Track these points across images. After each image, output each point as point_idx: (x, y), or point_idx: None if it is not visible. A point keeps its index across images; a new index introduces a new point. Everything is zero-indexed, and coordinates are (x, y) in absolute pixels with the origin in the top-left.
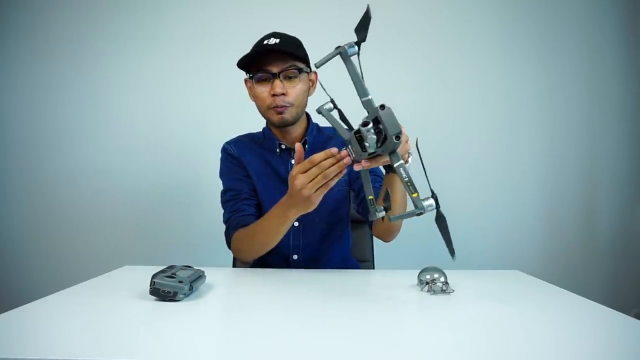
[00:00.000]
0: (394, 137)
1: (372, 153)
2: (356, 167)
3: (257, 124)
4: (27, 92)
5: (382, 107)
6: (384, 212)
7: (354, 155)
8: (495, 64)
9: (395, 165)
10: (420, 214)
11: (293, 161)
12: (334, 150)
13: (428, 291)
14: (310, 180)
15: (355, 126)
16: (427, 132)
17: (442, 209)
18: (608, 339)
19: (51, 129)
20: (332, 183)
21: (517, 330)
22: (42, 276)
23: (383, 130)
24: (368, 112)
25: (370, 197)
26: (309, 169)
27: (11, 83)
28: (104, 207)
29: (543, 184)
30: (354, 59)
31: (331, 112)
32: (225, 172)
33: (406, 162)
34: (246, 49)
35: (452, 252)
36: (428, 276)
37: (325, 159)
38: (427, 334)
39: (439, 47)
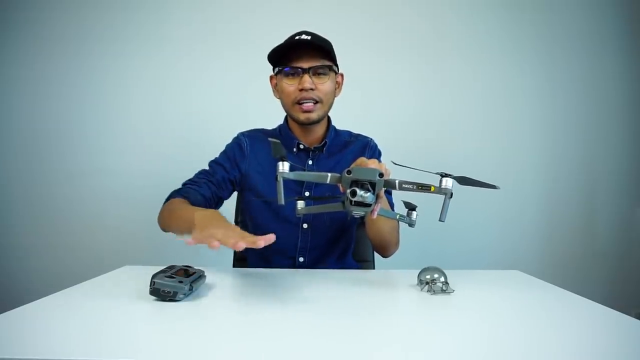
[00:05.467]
0: (378, 177)
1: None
2: (374, 216)
3: (258, 124)
4: (27, 91)
5: (349, 172)
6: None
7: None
8: (495, 66)
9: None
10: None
11: (310, 162)
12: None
13: (428, 291)
14: (223, 235)
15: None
16: (428, 132)
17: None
18: (609, 339)
19: (51, 129)
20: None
21: (517, 330)
22: (42, 276)
23: (367, 183)
24: (343, 184)
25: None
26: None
27: (11, 82)
28: (103, 207)
29: (544, 185)
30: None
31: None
32: (221, 154)
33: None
34: (247, 49)
35: (492, 187)
36: (428, 276)
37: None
38: (427, 334)
39: (440, 50)
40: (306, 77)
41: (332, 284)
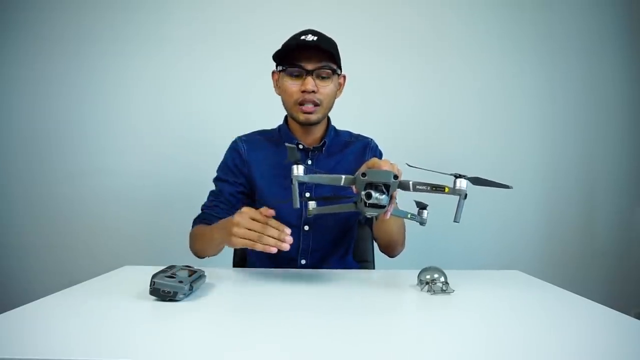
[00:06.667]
0: (392, 179)
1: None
2: (387, 217)
3: (259, 125)
4: (27, 91)
5: (364, 174)
6: (376, 214)
7: (377, 214)
8: (495, 66)
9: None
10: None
11: (310, 162)
12: (288, 230)
13: (428, 291)
14: (249, 228)
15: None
16: (428, 133)
17: (442, 210)
18: (608, 339)
19: (51, 129)
20: (257, 246)
21: (517, 330)
22: (42, 276)
23: (382, 185)
24: (357, 188)
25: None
26: (257, 220)
27: (11, 82)
28: (104, 207)
29: (543, 184)
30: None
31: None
32: (221, 167)
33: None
34: (247, 49)
35: (505, 186)
36: (428, 276)
37: (275, 227)
38: (427, 334)
39: (440, 49)
40: (309, 79)
41: (332, 284)
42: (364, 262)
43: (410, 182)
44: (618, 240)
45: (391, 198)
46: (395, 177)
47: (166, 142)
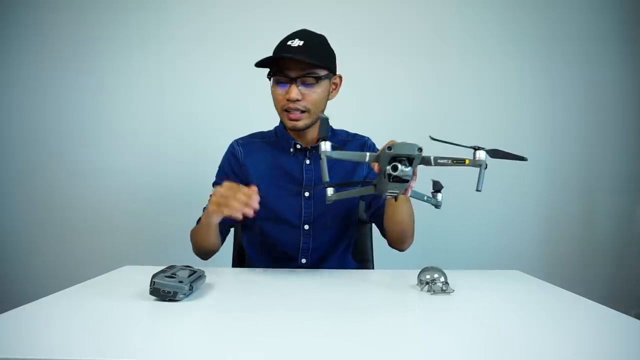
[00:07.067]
0: (417, 152)
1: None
2: (409, 194)
3: (259, 125)
4: (27, 91)
5: (389, 148)
6: (397, 192)
7: (398, 192)
8: (495, 65)
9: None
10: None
11: (308, 161)
12: (256, 197)
13: (428, 291)
14: (222, 195)
15: None
16: (427, 132)
17: (442, 209)
18: (608, 339)
19: (52, 129)
20: (225, 211)
21: (517, 330)
22: (42, 276)
23: (406, 158)
24: (381, 164)
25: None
26: (231, 190)
27: (12, 83)
28: (104, 207)
29: (543, 184)
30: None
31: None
32: (219, 172)
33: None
34: (248, 49)
35: (521, 159)
36: (428, 276)
37: (245, 194)
38: (427, 334)
39: (439, 48)
40: (293, 87)
41: (332, 284)
42: (364, 261)
43: (432, 157)
44: (618, 240)
45: (413, 175)
46: (420, 149)
47: (166, 142)
